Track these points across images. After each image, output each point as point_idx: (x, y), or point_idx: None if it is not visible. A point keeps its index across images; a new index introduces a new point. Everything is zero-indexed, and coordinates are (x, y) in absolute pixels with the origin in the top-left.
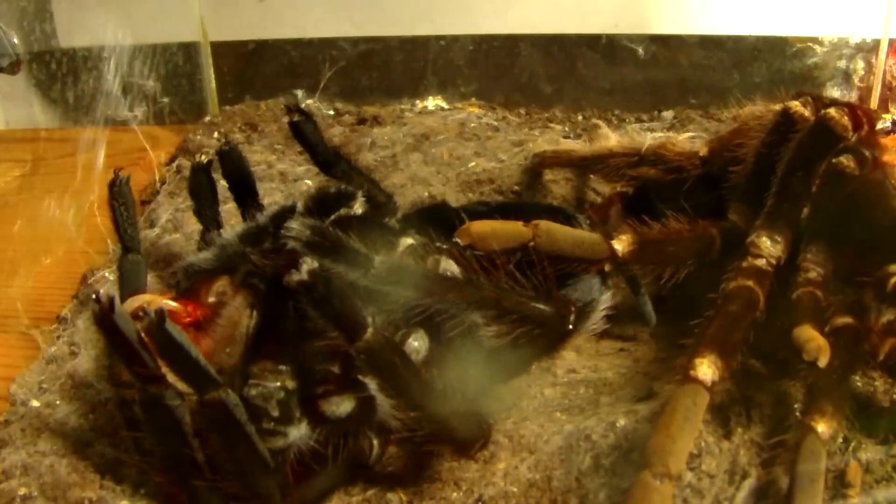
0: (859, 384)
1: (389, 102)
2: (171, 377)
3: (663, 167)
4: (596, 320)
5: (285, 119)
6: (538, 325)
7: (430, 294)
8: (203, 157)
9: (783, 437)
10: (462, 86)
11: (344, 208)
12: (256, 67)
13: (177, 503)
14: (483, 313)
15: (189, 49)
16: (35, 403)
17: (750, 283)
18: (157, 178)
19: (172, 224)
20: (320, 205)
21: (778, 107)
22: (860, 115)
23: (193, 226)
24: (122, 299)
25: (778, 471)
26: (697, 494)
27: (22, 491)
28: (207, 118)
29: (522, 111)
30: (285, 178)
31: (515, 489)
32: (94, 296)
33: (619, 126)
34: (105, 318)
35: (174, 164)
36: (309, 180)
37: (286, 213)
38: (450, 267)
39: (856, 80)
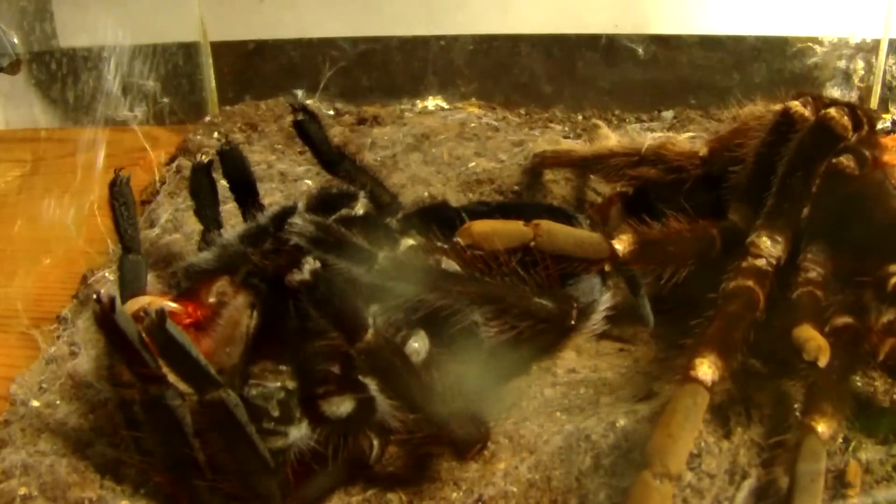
0: (859, 384)
1: (389, 102)
2: (171, 377)
3: (663, 167)
4: (596, 321)
5: (287, 119)
6: (540, 320)
7: (433, 289)
8: (203, 157)
9: (783, 437)
10: (462, 86)
11: (345, 208)
12: (256, 67)
13: (177, 503)
14: (484, 311)
15: (189, 49)
16: (35, 403)
17: (750, 283)
18: (157, 178)
19: (172, 224)
20: (322, 205)
21: (778, 107)
22: (860, 115)
23: (193, 226)
24: (123, 299)
25: (778, 471)
26: (697, 494)
27: (22, 491)
28: (207, 118)
29: (522, 111)
30: (285, 178)
31: (515, 489)
32: (94, 296)
33: (619, 126)
34: (106, 318)
35: (174, 164)
36: (309, 180)
37: (287, 213)
38: (450, 267)
39: (856, 80)
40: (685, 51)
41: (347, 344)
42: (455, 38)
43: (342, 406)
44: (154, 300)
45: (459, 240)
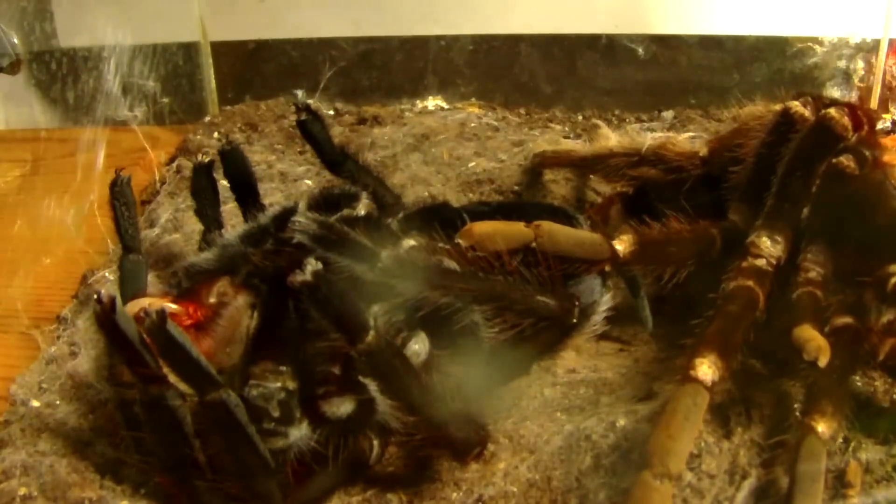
0: (859, 384)
1: (389, 102)
2: (172, 378)
3: (663, 167)
4: (597, 321)
5: (287, 119)
6: (542, 318)
7: (436, 287)
8: (204, 157)
9: (783, 437)
10: (462, 86)
11: (347, 209)
12: (256, 67)
13: (177, 503)
14: (485, 310)
15: (189, 49)
16: (35, 403)
17: (750, 283)
18: (157, 178)
19: (172, 224)
20: (324, 204)
21: (778, 107)
22: (860, 115)
23: (193, 226)
24: (123, 299)
25: (778, 471)
26: (697, 494)
27: (22, 491)
28: (207, 118)
29: (522, 111)
30: (285, 178)
31: (515, 489)
32: (95, 296)
33: (619, 126)
34: (106, 318)
35: (174, 164)
36: (309, 180)
37: (287, 213)
38: (452, 267)
39: (856, 80)
40: (685, 51)
41: (348, 345)
42: (455, 38)
43: (342, 407)
44: (154, 301)
45: (461, 241)
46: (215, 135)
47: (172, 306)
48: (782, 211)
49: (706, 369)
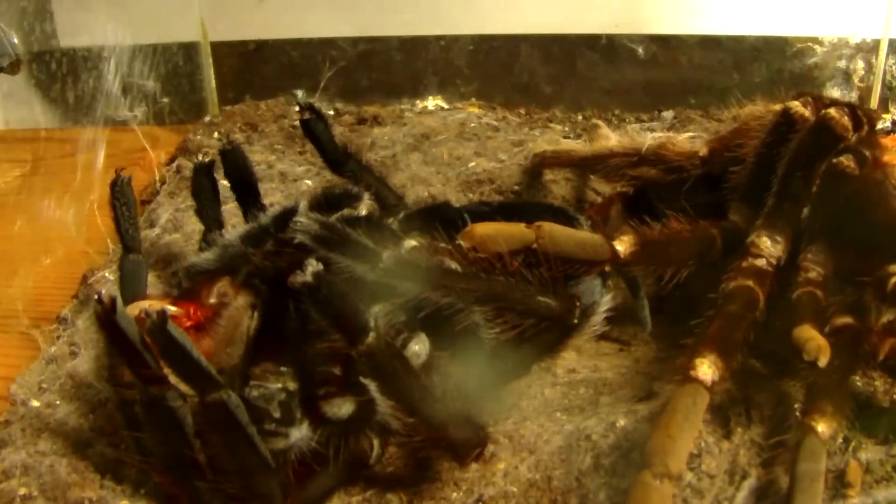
0: (859, 384)
1: (389, 102)
2: (172, 378)
3: (663, 167)
4: (597, 322)
5: (287, 119)
6: (543, 318)
7: (437, 286)
8: (205, 156)
9: (783, 437)
10: (462, 86)
11: (348, 209)
12: (256, 67)
13: (177, 503)
14: (486, 311)
15: (189, 49)
16: (35, 403)
17: (750, 282)
18: (157, 178)
19: (172, 224)
20: (325, 204)
21: (778, 107)
22: (860, 115)
23: (193, 226)
24: (124, 299)
25: (778, 471)
26: (697, 494)
27: (22, 491)
28: (207, 118)
29: (522, 111)
30: (285, 178)
31: (515, 489)
32: (96, 296)
33: (619, 126)
34: (107, 318)
35: (174, 164)
36: (309, 180)
37: (288, 214)
38: (453, 267)
39: (856, 80)
40: (685, 51)
41: (348, 346)
42: (455, 38)
43: (343, 407)
44: (154, 304)
45: (462, 242)
46: (215, 135)
47: (172, 309)
48: (782, 211)
49: (706, 369)
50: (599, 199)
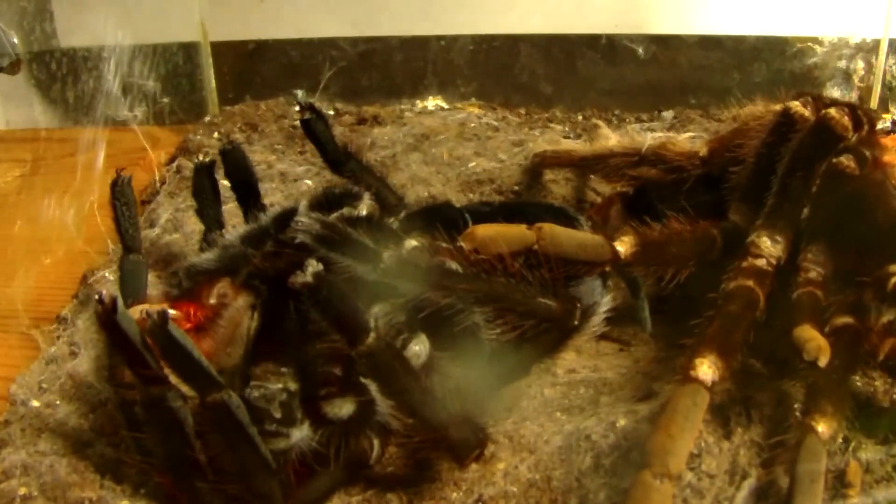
0: (859, 384)
1: (389, 102)
2: (173, 378)
3: (663, 167)
4: (597, 323)
5: (287, 119)
6: (543, 320)
7: (438, 287)
8: (205, 156)
9: (783, 437)
10: (462, 86)
11: (348, 209)
12: (256, 67)
13: None
14: (486, 312)
15: (189, 49)
16: (35, 403)
17: (750, 283)
18: (157, 178)
19: (172, 224)
20: (325, 204)
21: (778, 107)
22: (860, 115)
23: (193, 226)
24: (124, 299)
25: (778, 471)
26: (697, 494)
27: (22, 491)
28: (207, 118)
29: (522, 111)
30: (285, 178)
31: (515, 489)
32: (96, 296)
33: (619, 126)
34: (107, 318)
35: (174, 164)
36: (309, 180)
37: (288, 214)
38: (453, 268)
39: (856, 80)
40: (685, 51)
41: (348, 346)
42: (455, 38)
43: (343, 408)
44: (154, 306)
45: (463, 243)
46: (215, 135)
47: (173, 312)
48: (782, 211)
49: (706, 369)
50: (599, 199)
